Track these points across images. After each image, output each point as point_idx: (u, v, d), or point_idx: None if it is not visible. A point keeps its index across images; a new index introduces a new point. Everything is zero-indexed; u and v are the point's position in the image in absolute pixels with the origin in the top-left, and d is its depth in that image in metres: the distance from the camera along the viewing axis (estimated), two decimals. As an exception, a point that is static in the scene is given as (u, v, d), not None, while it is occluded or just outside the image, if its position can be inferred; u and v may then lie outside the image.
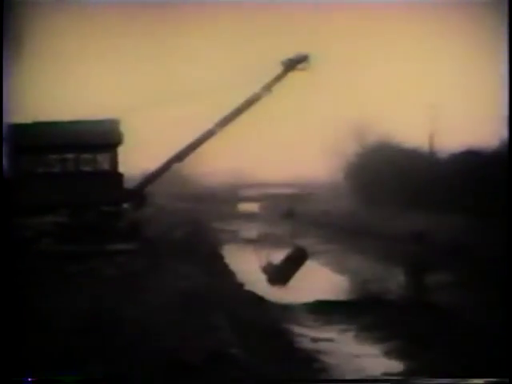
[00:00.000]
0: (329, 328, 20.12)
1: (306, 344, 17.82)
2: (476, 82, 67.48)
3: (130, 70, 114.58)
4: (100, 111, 35.36)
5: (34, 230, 32.00)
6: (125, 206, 36.00)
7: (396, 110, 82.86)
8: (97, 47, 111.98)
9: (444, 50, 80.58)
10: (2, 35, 22.40)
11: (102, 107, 37.14)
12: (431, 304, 21.49)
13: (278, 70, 37.93)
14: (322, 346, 17.76)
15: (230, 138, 39.20)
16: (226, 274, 30.64)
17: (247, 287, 26.77)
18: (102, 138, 34.30)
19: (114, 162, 34.89)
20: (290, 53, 38.30)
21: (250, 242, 43.21)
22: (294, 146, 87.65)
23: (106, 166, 34.81)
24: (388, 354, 16.74)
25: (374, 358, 16.56)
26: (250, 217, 66.48)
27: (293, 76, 38.05)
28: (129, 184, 36.25)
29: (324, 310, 22.30)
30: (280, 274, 30.22)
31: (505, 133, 35.12)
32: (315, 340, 18.35)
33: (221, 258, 36.28)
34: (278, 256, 31.59)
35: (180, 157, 37.84)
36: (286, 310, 22.62)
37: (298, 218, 59.28)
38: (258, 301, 23.50)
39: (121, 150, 35.18)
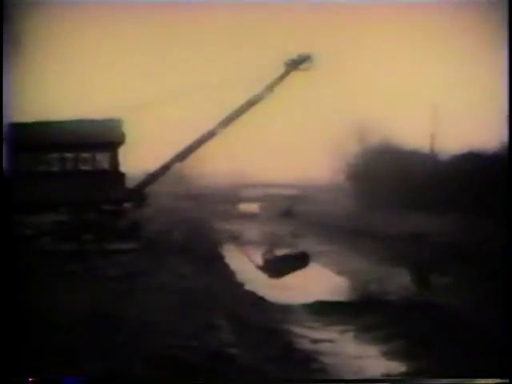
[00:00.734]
0: (329, 329, 20.07)
1: (306, 344, 17.78)
2: (477, 84, 67.46)
3: (131, 70, 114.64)
4: (101, 111, 35.40)
5: (33, 229, 32.03)
6: (125, 205, 36.01)
7: (397, 111, 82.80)
8: (97, 47, 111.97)
9: (445, 51, 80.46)
10: (2, 35, 22.40)
11: (103, 107, 37.14)
12: (431, 304, 21.43)
13: (280, 70, 37.95)
14: (321, 346, 17.73)
15: (231, 139, 39.23)
16: (226, 273, 30.63)
17: (247, 287, 26.76)
18: (102, 138, 34.32)
19: (115, 161, 34.89)
20: (292, 53, 38.32)
21: (250, 242, 43.21)
22: (295, 146, 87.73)
23: (105, 165, 34.83)
24: (388, 354, 16.70)
25: (373, 359, 16.52)
26: (250, 217, 66.42)
27: (294, 77, 38.07)
28: (130, 183, 36.29)
29: (324, 311, 22.26)
30: (276, 266, 30.67)
31: (505, 134, 35.13)
32: (315, 341, 18.31)
33: (221, 257, 36.25)
34: (280, 252, 32.11)
35: (181, 157, 37.84)
36: (286, 310, 22.58)
37: (298, 219, 59.29)
38: (258, 301, 23.49)
39: (122, 149, 35.23)
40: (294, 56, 38.04)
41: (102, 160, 34.80)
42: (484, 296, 21.77)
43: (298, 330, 19.61)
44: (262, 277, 29.78)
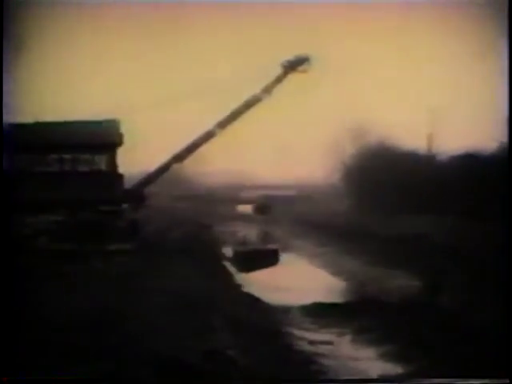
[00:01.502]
0: (326, 330, 20.11)
1: (303, 346, 17.83)
2: (475, 85, 67.62)
3: (129, 72, 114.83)
4: (100, 112, 35.45)
5: (32, 228, 32.03)
6: (123, 206, 36.03)
7: (395, 112, 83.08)
8: (97, 47, 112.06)
9: (444, 52, 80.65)
10: (2, 35, 22.48)
11: (102, 107, 37.24)
12: (429, 306, 21.47)
13: (278, 71, 38.01)
14: (319, 348, 17.77)
15: (229, 140, 39.34)
16: (225, 274, 30.68)
17: (245, 288, 26.82)
18: (100, 139, 34.31)
19: (113, 162, 34.87)
20: (291, 55, 38.40)
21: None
22: (293, 147, 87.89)
23: (103, 166, 34.83)
24: (385, 356, 16.75)
25: (370, 361, 16.57)
26: (248, 218, 66.45)
27: (293, 78, 38.13)
28: (128, 184, 36.32)
29: (321, 313, 22.29)
30: (245, 259, 31.48)
31: (504, 135, 35.21)
32: (312, 342, 18.35)
33: (219, 258, 36.29)
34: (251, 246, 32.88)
35: (180, 157, 37.91)
36: (284, 311, 22.62)
37: (298, 220, 59.26)
38: (256, 302, 23.54)
39: (121, 150, 35.26)
40: (291, 58, 38.13)
41: (101, 161, 34.82)
42: (483, 296, 21.79)
43: (295, 331, 19.66)
44: (261, 278, 29.90)
